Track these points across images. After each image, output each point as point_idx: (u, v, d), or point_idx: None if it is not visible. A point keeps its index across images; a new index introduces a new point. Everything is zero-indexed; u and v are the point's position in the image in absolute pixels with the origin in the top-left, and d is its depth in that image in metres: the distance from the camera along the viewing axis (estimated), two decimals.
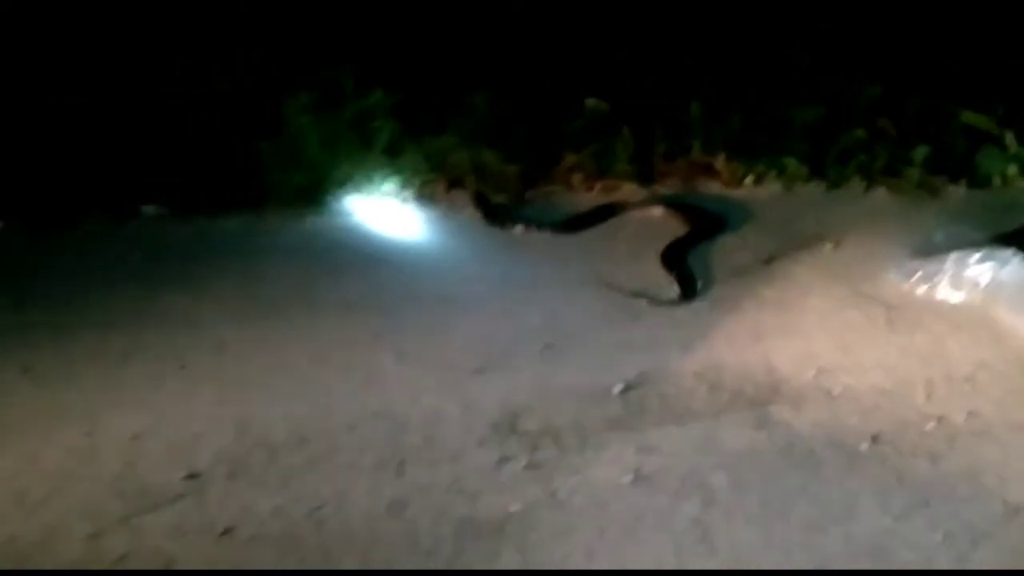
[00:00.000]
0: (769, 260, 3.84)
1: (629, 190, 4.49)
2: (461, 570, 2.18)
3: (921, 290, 3.57)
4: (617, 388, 2.96)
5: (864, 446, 2.74)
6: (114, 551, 2.26)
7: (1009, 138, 4.70)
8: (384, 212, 4.15)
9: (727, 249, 3.95)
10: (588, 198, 4.44)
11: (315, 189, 4.12)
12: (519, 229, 4.11)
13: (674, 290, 3.60)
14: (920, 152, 4.66)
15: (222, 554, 2.28)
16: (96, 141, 4.08)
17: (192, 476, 2.52)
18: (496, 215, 4.18)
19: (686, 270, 3.72)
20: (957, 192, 4.59)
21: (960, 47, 4.94)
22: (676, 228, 4.11)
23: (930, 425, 2.84)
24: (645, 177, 4.56)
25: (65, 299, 3.37)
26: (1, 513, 2.36)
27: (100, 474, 2.51)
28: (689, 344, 3.24)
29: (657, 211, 4.31)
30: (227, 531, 2.35)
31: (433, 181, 4.28)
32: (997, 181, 4.65)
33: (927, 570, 2.23)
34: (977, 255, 3.59)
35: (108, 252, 3.75)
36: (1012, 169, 4.67)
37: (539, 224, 4.13)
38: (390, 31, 4.44)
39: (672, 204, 4.33)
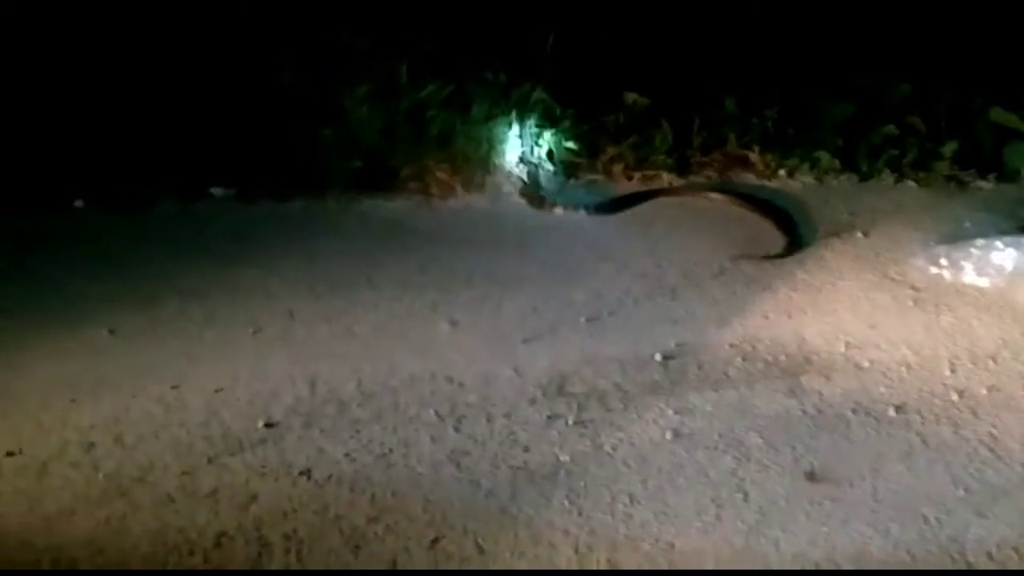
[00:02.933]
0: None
1: (667, 179, 4.70)
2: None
3: (947, 274, 3.75)
4: (657, 357, 3.17)
5: (891, 413, 2.93)
6: (205, 486, 2.50)
7: None
8: (437, 195, 4.39)
9: (761, 234, 4.14)
10: (628, 187, 4.66)
11: (373, 174, 4.37)
12: (559, 210, 4.34)
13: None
14: (949, 147, 4.83)
15: (301, 492, 2.51)
16: (168, 127, 4.32)
17: (270, 425, 2.76)
18: (538, 197, 4.42)
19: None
20: (985, 186, 4.77)
21: (988, 46, 5.09)
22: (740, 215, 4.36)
23: (954, 396, 3.03)
24: (682, 168, 4.77)
25: (144, 271, 3.62)
26: (103, 452, 2.61)
27: (188, 421, 2.75)
28: (725, 319, 3.44)
29: (716, 198, 4.52)
30: (304, 472, 2.58)
31: (483, 167, 4.51)
32: None
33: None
34: (1001, 241, 3.77)
35: (181, 230, 4.01)
36: None
37: (577, 205, 4.36)
38: (443, 25, 4.67)
39: (728, 192, 4.55)
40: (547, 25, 4.75)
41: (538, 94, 4.61)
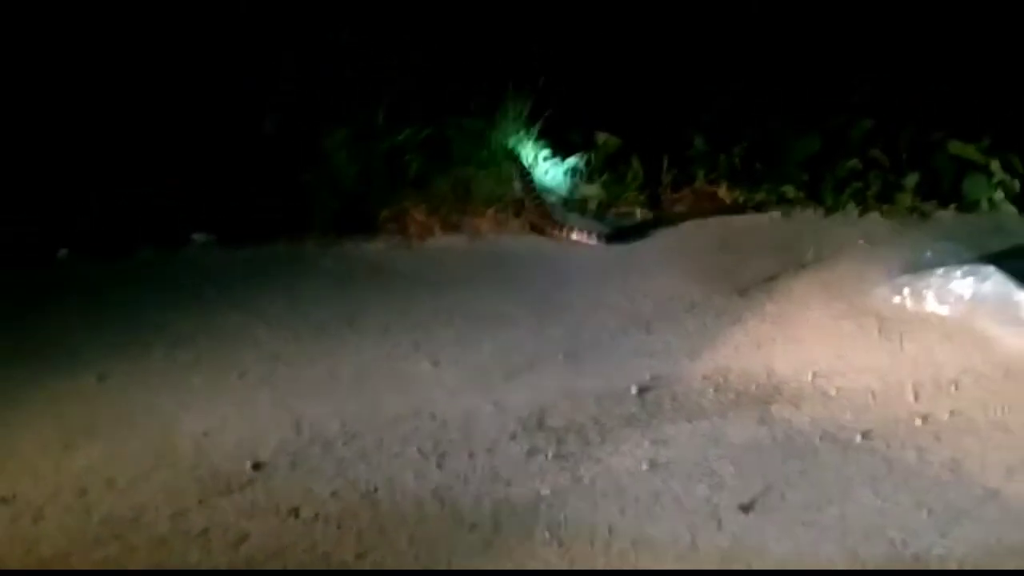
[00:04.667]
0: (771, 278, 4.17)
1: (640, 215, 4.85)
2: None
3: (910, 303, 3.86)
4: (633, 390, 3.27)
5: (857, 439, 3.04)
6: (196, 527, 2.57)
7: (995, 166, 5.04)
8: (416, 236, 4.51)
9: (732, 268, 4.28)
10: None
11: (352, 216, 4.49)
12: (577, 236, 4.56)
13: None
14: (911, 179, 5.01)
15: (289, 530, 2.58)
16: (149, 174, 4.43)
17: (258, 466, 2.84)
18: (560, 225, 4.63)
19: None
20: (947, 216, 4.94)
21: (947, 82, 5.29)
22: None
23: (918, 422, 3.14)
24: (654, 204, 4.91)
25: (130, 318, 3.69)
26: (96, 495, 2.68)
27: (177, 464, 2.83)
28: (697, 352, 3.56)
29: None
30: (293, 511, 2.65)
31: (458, 208, 4.64)
32: (984, 205, 5.01)
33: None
34: (961, 270, 3.90)
35: (166, 277, 4.09)
36: (998, 194, 5.01)
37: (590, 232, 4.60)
38: (419, 69, 4.82)
39: None
40: (522, 68, 4.92)
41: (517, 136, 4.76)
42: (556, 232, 4.57)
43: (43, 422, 3.01)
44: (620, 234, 4.62)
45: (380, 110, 4.68)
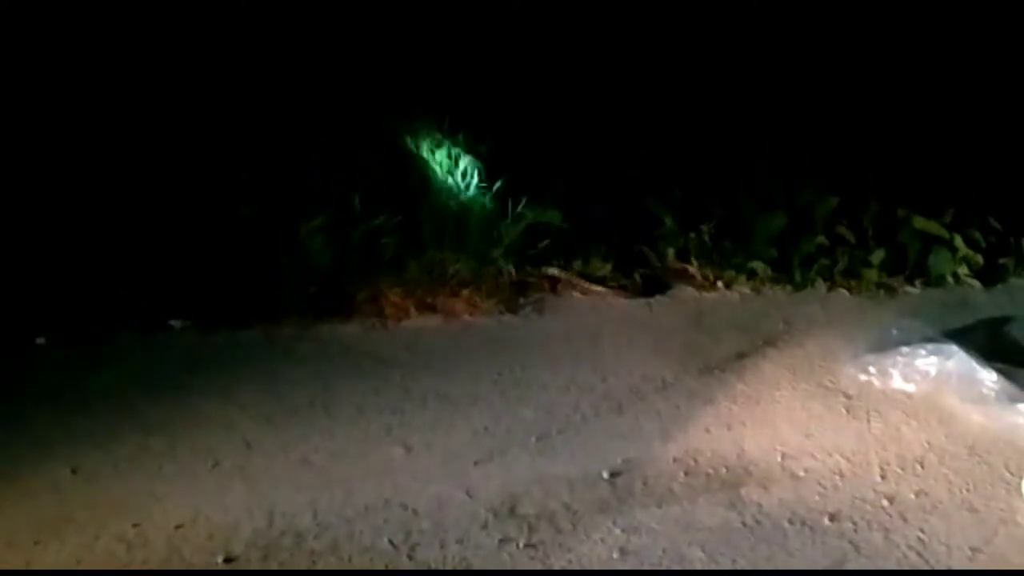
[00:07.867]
0: (740, 356, 4.23)
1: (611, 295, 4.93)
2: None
3: (877, 381, 3.93)
4: (605, 474, 3.31)
5: (825, 521, 3.08)
6: None
7: (958, 241, 5.14)
8: (391, 317, 4.56)
9: (703, 346, 4.34)
10: (573, 302, 4.86)
11: (328, 299, 4.54)
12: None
13: None
14: (877, 255, 5.10)
15: None
16: (127, 261, 4.48)
17: (230, 560, 2.85)
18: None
19: None
20: (913, 291, 5.02)
21: (910, 158, 5.44)
22: None
23: (884, 502, 3.18)
24: (626, 283, 4.99)
25: (105, 406, 3.71)
26: None
27: (150, 559, 2.84)
28: (669, 434, 3.60)
29: None
30: None
31: (433, 289, 4.70)
32: (949, 280, 5.09)
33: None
34: (925, 348, 3.98)
35: (142, 363, 4.12)
36: (962, 269, 5.10)
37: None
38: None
39: None
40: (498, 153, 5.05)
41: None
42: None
43: (14, 516, 3.01)
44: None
45: (356, 196, 4.76)
